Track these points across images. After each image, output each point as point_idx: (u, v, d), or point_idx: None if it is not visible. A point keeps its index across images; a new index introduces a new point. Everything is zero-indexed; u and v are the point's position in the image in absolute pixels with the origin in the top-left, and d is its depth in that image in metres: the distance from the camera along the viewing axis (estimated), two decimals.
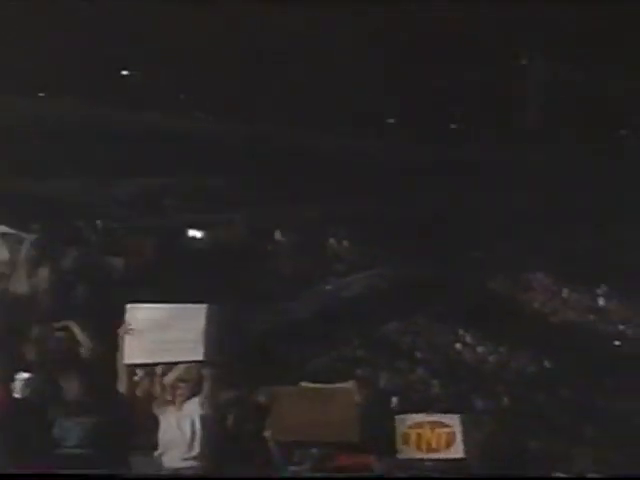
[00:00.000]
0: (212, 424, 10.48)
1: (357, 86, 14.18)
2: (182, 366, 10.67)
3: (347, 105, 14.39)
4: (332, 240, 16.40)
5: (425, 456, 10.06)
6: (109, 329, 11.34)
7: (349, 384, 10.74)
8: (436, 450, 10.21)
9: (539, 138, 15.37)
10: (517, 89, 14.72)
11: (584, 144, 15.54)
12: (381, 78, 14.19)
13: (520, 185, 16.20)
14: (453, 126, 15.74)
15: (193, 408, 10.53)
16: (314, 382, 11.55)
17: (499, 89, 14.69)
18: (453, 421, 10.59)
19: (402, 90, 14.59)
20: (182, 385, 10.66)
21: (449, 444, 10.23)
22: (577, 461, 13.20)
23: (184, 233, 15.05)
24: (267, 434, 10.34)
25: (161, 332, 10.78)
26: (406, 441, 10.34)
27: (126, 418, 10.79)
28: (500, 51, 14.01)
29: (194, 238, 15.09)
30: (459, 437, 10.39)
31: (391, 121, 15.67)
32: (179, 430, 10.38)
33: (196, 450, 10.25)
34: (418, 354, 15.81)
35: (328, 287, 16.07)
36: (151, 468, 10.33)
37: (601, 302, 18.18)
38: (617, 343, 17.28)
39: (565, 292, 17.90)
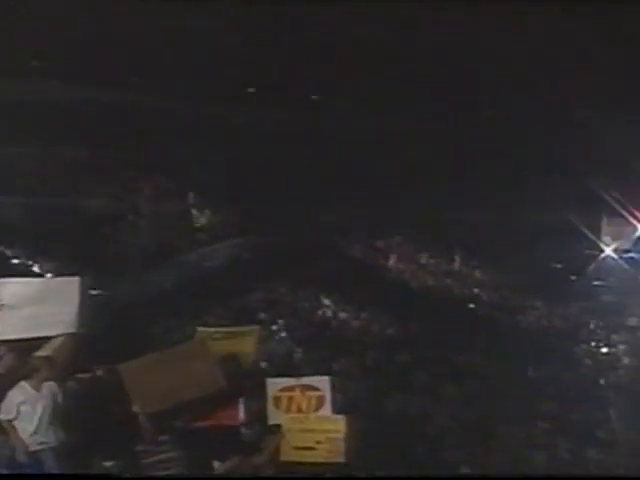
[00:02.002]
0: (73, 401, 10.32)
1: (215, 55, 14.07)
2: (50, 342, 10.42)
3: (208, 74, 14.27)
4: (194, 210, 16.34)
5: (296, 417, 10.16)
6: None
7: (198, 338, 10.70)
8: (306, 412, 10.34)
9: (396, 108, 15.64)
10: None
11: (439, 113, 15.93)
12: (239, 48, 14.11)
13: (377, 153, 16.53)
14: (314, 97, 15.84)
15: (52, 385, 10.31)
16: None
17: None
18: (322, 384, 10.74)
19: (262, 60, 14.55)
20: (45, 361, 10.40)
21: (318, 407, 10.37)
22: (435, 418, 13.62)
23: (49, 205, 14.65)
24: (135, 408, 10.21)
25: (35, 306, 10.49)
26: (277, 404, 10.42)
27: None
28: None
29: (59, 210, 14.70)
30: (328, 399, 10.55)
31: (251, 90, 15.62)
32: (37, 405, 10.15)
33: (45, 426, 10.09)
34: (281, 321, 15.92)
35: (191, 257, 16.00)
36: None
37: (457, 267, 18.86)
38: (472, 306, 17.98)
39: (423, 257, 18.47)
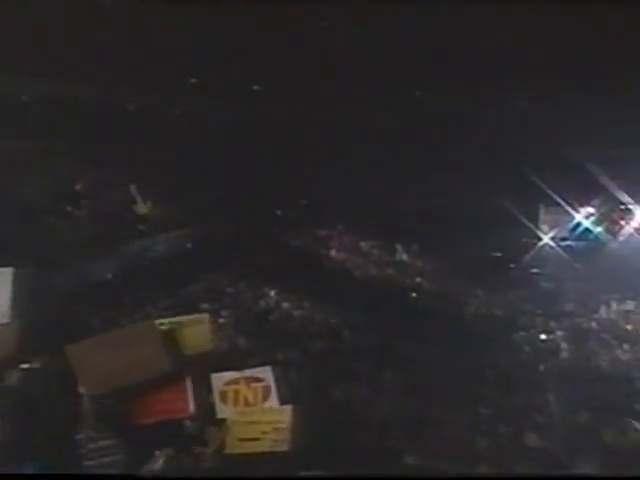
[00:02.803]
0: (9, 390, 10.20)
1: (155, 44, 13.91)
2: None
3: (149, 63, 14.11)
4: (136, 200, 16.19)
5: (243, 410, 10.17)
6: None
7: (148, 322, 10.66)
8: (253, 405, 10.37)
9: (336, 96, 15.64)
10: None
11: (377, 101, 15.99)
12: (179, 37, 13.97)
13: (316, 141, 16.54)
14: (255, 87, 15.76)
15: None
16: None
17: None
18: (266, 374, 10.78)
19: (202, 50, 14.45)
20: None
21: (265, 397, 10.41)
22: (379, 406, 13.72)
23: None
24: (81, 390, 10.13)
25: None
26: (224, 399, 10.43)
27: None
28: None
29: None
30: (273, 389, 10.60)
31: (193, 81, 15.49)
32: None
33: None
34: (224, 313, 15.89)
35: (132, 248, 15.88)
36: None
37: (399, 256, 19.01)
38: (414, 295, 18.15)
39: (365, 247, 18.57)
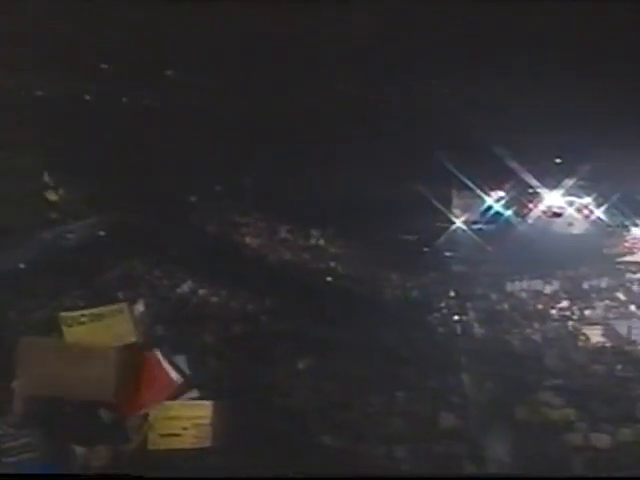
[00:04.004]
0: None
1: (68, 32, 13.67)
2: None
3: (62, 50, 13.86)
4: (49, 189, 15.92)
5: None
6: None
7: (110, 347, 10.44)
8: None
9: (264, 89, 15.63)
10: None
11: (292, 89, 16.05)
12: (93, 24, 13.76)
13: (233, 130, 16.54)
14: (169, 72, 15.62)
15: None
16: (35, 334, 11.23)
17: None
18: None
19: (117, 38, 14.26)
20: None
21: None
22: (296, 392, 13.79)
23: None
24: (15, 384, 9.86)
25: None
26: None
27: None
28: None
29: None
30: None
31: (104, 67, 15.28)
32: None
33: None
34: (140, 300, 15.72)
35: (44, 236, 15.61)
36: None
37: (314, 241, 19.18)
38: (329, 279, 18.34)
39: (281, 233, 18.69)
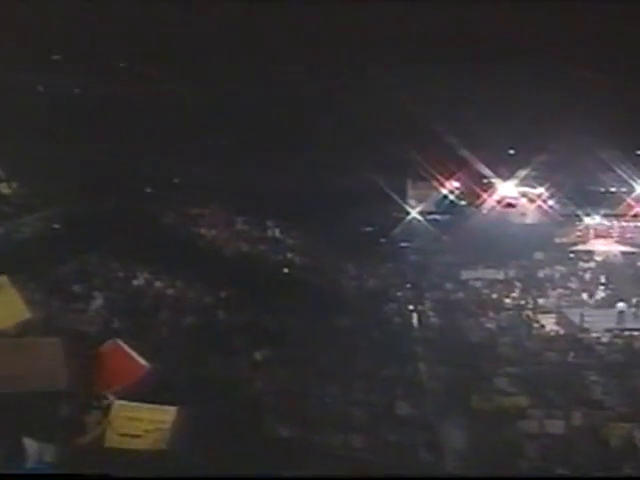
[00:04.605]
0: None
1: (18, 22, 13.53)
2: None
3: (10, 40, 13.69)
4: (1, 182, 15.76)
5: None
6: None
7: (54, 338, 10.31)
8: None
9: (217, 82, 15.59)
10: None
11: (247, 83, 16.04)
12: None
13: (188, 121, 16.47)
14: (122, 64, 15.53)
15: None
16: None
17: None
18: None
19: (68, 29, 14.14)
20: None
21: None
22: (254, 383, 13.80)
23: None
24: None
25: None
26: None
27: None
28: None
29: None
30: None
31: (57, 57, 15.14)
32: None
33: None
34: (96, 293, 15.66)
35: None
36: None
37: (271, 233, 19.20)
38: (286, 270, 18.36)
39: (237, 224, 18.67)
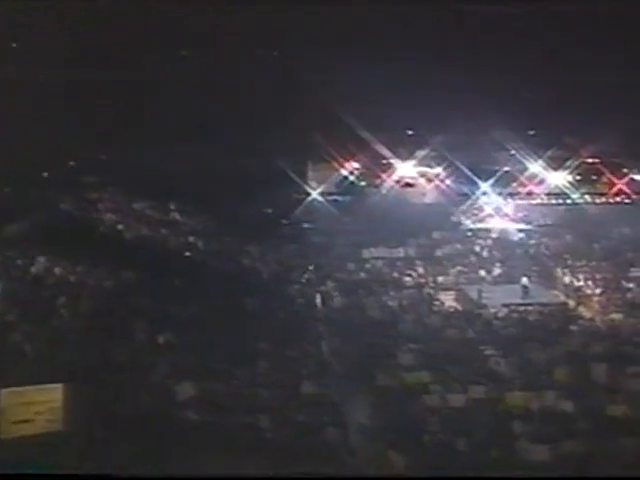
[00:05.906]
0: None
1: None
2: None
3: None
4: None
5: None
6: None
7: None
8: None
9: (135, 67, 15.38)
10: None
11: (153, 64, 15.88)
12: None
13: (90, 102, 16.19)
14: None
15: None
16: None
17: None
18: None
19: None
20: None
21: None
22: (159, 367, 13.70)
23: None
24: None
25: None
26: None
27: None
28: None
29: None
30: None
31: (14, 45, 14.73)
32: None
33: None
34: None
35: None
36: None
37: (172, 216, 19.02)
38: (188, 254, 18.24)
39: (138, 207, 18.42)
